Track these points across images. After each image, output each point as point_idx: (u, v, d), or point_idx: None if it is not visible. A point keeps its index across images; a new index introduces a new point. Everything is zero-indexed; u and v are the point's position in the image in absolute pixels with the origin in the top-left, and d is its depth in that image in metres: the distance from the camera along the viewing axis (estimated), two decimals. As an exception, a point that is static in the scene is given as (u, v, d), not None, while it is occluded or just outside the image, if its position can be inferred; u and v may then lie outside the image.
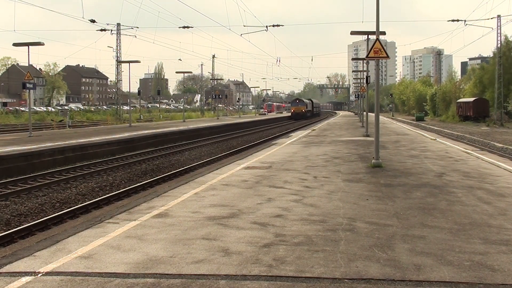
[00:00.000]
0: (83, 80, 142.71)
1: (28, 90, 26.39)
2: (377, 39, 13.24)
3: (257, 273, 4.96)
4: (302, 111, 76.13)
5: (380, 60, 13.86)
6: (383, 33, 17.26)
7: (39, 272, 5.09)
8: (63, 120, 49.66)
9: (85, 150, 21.11)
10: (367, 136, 25.66)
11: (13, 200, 12.88)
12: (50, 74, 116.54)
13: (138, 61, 41.05)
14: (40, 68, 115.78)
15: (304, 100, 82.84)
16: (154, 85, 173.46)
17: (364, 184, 10.34)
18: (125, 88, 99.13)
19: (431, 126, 48.42)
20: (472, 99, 57.82)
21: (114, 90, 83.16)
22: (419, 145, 20.47)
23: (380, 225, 6.86)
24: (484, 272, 5.00)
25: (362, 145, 20.43)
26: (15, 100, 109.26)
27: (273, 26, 36.53)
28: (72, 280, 4.86)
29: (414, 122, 60.79)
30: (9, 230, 9.86)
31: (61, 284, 4.75)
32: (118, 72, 59.73)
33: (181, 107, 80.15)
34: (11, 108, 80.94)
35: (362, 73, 48.27)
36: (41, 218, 10.78)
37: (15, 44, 27.87)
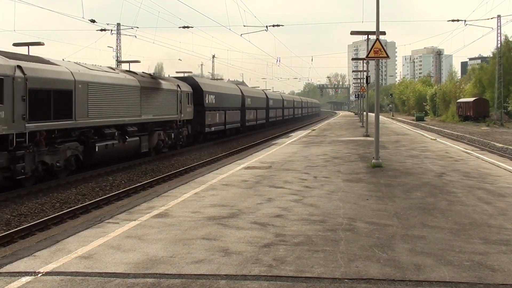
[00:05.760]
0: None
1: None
2: (377, 39, 13.26)
3: (257, 273, 4.96)
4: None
5: (380, 60, 13.88)
6: (383, 33, 17.24)
7: (39, 272, 5.09)
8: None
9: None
10: (367, 136, 25.67)
11: (13, 200, 12.87)
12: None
13: (138, 61, 40.85)
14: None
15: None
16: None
17: (364, 184, 10.34)
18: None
19: (431, 126, 48.40)
20: (472, 99, 57.79)
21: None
22: (419, 145, 20.47)
23: (380, 225, 6.86)
24: (484, 272, 5.00)
25: (362, 145, 20.43)
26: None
27: (273, 26, 36.41)
28: (72, 280, 4.86)
29: (414, 122, 60.75)
30: (9, 230, 9.86)
31: (61, 284, 4.75)
32: (118, 72, 59.74)
33: (181, 107, 79.91)
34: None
35: (362, 73, 48.28)
36: (41, 218, 10.77)
37: (15, 44, 27.76)
